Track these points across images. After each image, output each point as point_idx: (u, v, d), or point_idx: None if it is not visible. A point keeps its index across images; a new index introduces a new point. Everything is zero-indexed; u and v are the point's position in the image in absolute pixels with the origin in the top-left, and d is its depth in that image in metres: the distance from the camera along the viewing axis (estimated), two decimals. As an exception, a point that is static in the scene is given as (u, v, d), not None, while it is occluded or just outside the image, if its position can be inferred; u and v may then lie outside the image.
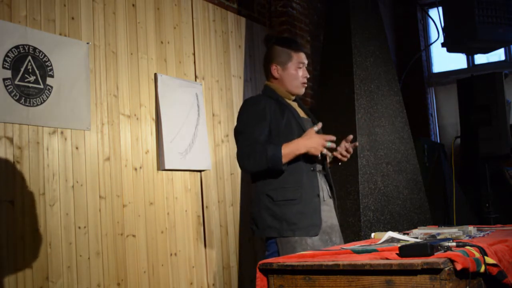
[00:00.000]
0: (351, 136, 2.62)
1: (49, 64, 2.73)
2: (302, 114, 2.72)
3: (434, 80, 6.74)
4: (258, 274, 1.79)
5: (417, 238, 2.01)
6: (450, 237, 1.94)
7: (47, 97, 2.69)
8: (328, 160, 2.74)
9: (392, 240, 1.99)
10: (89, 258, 2.79)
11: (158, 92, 3.35)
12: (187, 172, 3.51)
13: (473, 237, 2.08)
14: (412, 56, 6.35)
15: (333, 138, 2.55)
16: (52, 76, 2.73)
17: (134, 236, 3.07)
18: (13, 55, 2.56)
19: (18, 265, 2.46)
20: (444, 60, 6.71)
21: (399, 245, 1.69)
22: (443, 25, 5.54)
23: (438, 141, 6.48)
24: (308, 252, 1.97)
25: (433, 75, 6.79)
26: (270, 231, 2.52)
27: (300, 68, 2.69)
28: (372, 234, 2.38)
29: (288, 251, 2.42)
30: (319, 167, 2.64)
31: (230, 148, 3.96)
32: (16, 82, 2.55)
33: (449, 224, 4.93)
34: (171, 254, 3.30)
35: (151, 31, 3.40)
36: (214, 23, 3.99)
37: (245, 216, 3.97)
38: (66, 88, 2.79)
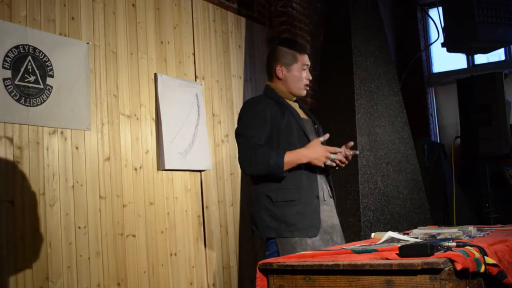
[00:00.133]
0: (351, 143, 2.60)
1: (49, 64, 2.73)
2: (302, 115, 2.72)
3: (434, 80, 6.74)
4: (258, 274, 1.79)
5: (417, 238, 2.01)
6: (450, 237, 1.94)
7: (47, 97, 2.69)
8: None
9: (392, 240, 2.00)
10: (89, 258, 2.79)
11: (158, 92, 3.35)
12: (187, 172, 3.51)
13: (473, 237, 2.08)
14: (412, 56, 6.35)
15: (339, 150, 2.54)
16: (52, 76, 2.73)
17: (134, 236, 3.07)
18: (13, 55, 2.56)
19: (18, 265, 2.46)
20: (444, 60, 6.71)
21: (399, 245, 1.69)
22: (443, 25, 5.54)
23: (438, 141, 6.48)
24: (308, 252, 1.97)
25: (433, 75, 6.79)
26: (269, 232, 2.52)
27: (304, 70, 2.69)
28: (372, 234, 2.38)
29: (288, 252, 2.42)
30: (319, 167, 2.63)
31: (230, 148, 3.96)
32: (16, 82, 2.55)
33: (449, 224, 4.94)
34: (171, 254, 3.30)
35: (151, 31, 3.40)
36: (214, 23, 3.99)
37: (245, 216, 3.97)
38: (66, 88, 2.79)
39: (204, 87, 3.77)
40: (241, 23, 4.28)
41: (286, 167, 2.46)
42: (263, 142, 2.51)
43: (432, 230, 2.27)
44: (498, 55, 6.31)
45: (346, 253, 1.79)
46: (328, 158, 2.50)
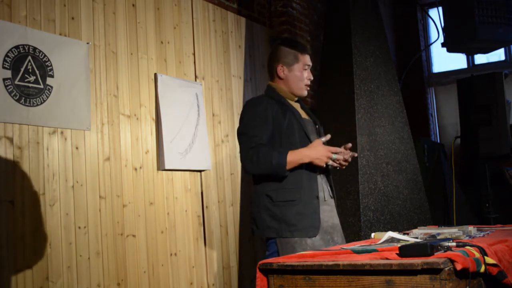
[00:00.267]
0: (349, 145, 2.60)
1: (49, 64, 2.73)
2: (304, 115, 2.72)
3: (434, 80, 6.74)
4: (258, 274, 1.79)
5: (417, 238, 2.01)
6: (450, 237, 1.94)
7: (47, 97, 2.69)
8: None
9: (392, 240, 2.00)
10: (89, 258, 2.79)
11: (158, 92, 3.35)
12: (187, 172, 3.51)
13: (473, 237, 2.08)
14: (412, 56, 6.35)
15: (340, 150, 2.54)
16: (52, 76, 2.73)
17: (134, 236, 3.07)
18: (13, 55, 2.56)
19: (18, 265, 2.46)
20: (444, 60, 6.71)
21: (399, 245, 1.69)
22: (443, 25, 5.54)
23: (438, 141, 6.48)
24: (308, 252, 1.97)
25: (433, 75, 6.79)
26: (269, 232, 2.53)
27: (306, 70, 2.70)
28: (372, 234, 2.38)
29: (288, 251, 2.42)
30: (319, 167, 2.63)
31: (230, 148, 3.96)
32: (16, 82, 2.55)
33: (449, 224, 4.94)
34: (171, 254, 3.30)
35: (151, 31, 3.40)
36: (214, 23, 3.99)
37: (245, 216, 3.97)
38: (66, 88, 2.79)
39: (204, 87, 3.77)
40: (241, 23, 4.28)
41: (288, 166, 2.47)
42: (265, 141, 2.51)
43: (432, 230, 2.27)
44: (498, 55, 6.31)
45: (346, 253, 1.79)
46: (329, 158, 2.50)
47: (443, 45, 5.49)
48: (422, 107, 6.56)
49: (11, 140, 2.50)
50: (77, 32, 2.91)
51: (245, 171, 2.64)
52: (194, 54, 3.73)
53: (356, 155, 2.63)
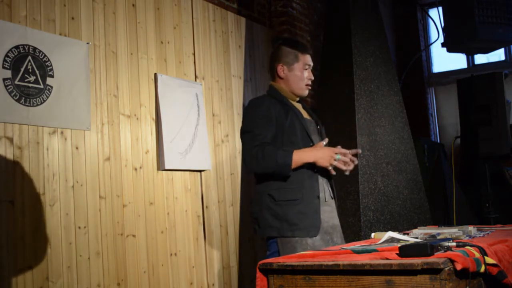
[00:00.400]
0: (356, 151, 2.60)
1: (49, 64, 2.73)
2: (305, 115, 2.73)
3: (434, 80, 6.74)
4: (258, 274, 1.79)
5: (417, 238, 2.01)
6: (450, 237, 1.94)
7: (47, 97, 2.69)
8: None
9: (392, 240, 2.00)
10: (89, 258, 2.79)
11: (158, 92, 3.35)
12: (187, 172, 3.51)
13: (473, 237, 2.08)
14: (412, 56, 6.35)
15: (344, 151, 2.54)
16: (52, 76, 2.73)
17: (134, 236, 3.07)
18: (13, 55, 2.56)
19: (18, 265, 2.46)
20: (444, 60, 6.71)
21: (399, 245, 1.69)
22: (443, 25, 5.54)
23: (438, 141, 6.48)
24: (308, 252, 1.97)
25: (433, 75, 6.79)
26: (271, 231, 2.53)
27: (306, 69, 2.70)
28: (372, 234, 2.38)
29: (288, 251, 2.42)
30: (320, 168, 2.64)
31: (230, 148, 3.96)
32: (16, 82, 2.55)
33: (449, 224, 4.94)
34: (171, 254, 3.30)
35: (151, 31, 3.40)
36: (214, 23, 3.99)
37: (245, 216, 3.97)
38: (66, 88, 2.79)
39: (204, 87, 3.77)
40: (241, 23, 4.28)
41: (293, 166, 2.47)
42: (269, 140, 2.52)
43: (432, 230, 2.27)
44: (498, 55, 6.31)
45: (346, 253, 1.79)
46: (334, 158, 2.50)
47: (443, 45, 5.49)
48: (422, 107, 6.56)
49: (11, 140, 2.50)
50: (77, 32, 2.91)
51: (248, 169, 2.63)
52: (194, 54, 3.73)
53: (360, 151, 2.63)
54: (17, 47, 2.58)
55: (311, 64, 2.73)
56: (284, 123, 2.56)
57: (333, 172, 2.57)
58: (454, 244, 1.65)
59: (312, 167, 2.56)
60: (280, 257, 2.02)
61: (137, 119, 3.21)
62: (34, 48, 2.66)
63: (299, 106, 2.75)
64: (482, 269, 1.58)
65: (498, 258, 1.66)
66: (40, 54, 2.69)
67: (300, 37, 4.67)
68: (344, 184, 4.04)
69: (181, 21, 3.66)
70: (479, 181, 5.33)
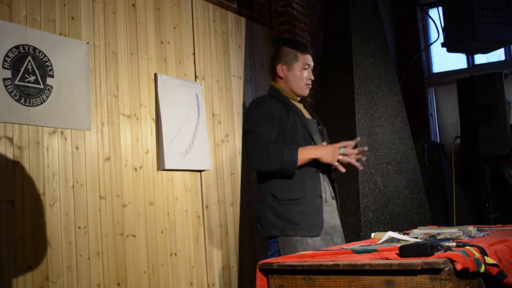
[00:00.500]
0: (358, 139, 2.61)
1: (49, 64, 2.73)
2: (307, 115, 2.73)
3: (434, 80, 6.74)
4: (258, 274, 1.79)
5: (417, 238, 2.01)
6: (450, 237, 1.94)
7: (47, 97, 2.69)
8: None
9: (392, 240, 2.00)
10: (89, 258, 2.79)
11: (158, 92, 3.35)
12: (187, 172, 3.51)
13: (473, 237, 2.09)
14: (412, 56, 6.35)
15: (346, 143, 2.54)
16: (52, 76, 2.73)
17: (134, 236, 3.07)
18: (13, 55, 2.56)
19: (18, 265, 2.46)
20: (444, 60, 6.71)
21: (399, 245, 1.69)
22: (443, 25, 5.54)
23: (438, 141, 6.48)
24: (308, 252, 1.97)
25: (433, 75, 6.79)
26: (274, 230, 2.54)
27: (306, 69, 2.70)
28: (372, 234, 2.38)
29: (288, 251, 2.43)
30: (322, 168, 2.64)
31: (230, 148, 3.96)
32: (16, 82, 2.55)
33: (449, 224, 4.94)
34: (171, 254, 3.30)
35: (151, 31, 3.40)
36: (214, 23, 3.99)
37: (245, 216, 3.97)
38: (66, 88, 2.79)
39: (204, 87, 3.77)
40: (241, 23, 4.28)
41: (299, 163, 2.48)
42: (273, 139, 2.52)
43: (432, 230, 2.27)
44: (498, 55, 6.31)
45: (346, 253, 1.79)
46: (338, 153, 2.50)
47: (443, 45, 5.49)
48: (422, 107, 6.56)
49: (11, 140, 2.50)
50: (77, 32, 2.91)
51: (253, 168, 2.64)
52: (194, 54, 3.73)
53: (359, 139, 2.63)
54: (17, 47, 2.58)
55: (311, 64, 2.73)
56: (286, 123, 2.57)
57: (342, 169, 2.56)
58: (454, 244, 1.65)
59: (315, 167, 2.56)
60: (280, 257, 2.02)
61: (137, 119, 3.21)
62: (34, 48, 2.66)
63: (300, 106, 2.75)
64: (482, 269, 1.58)
65: (498, 258, 1.66)
66: (40, 54, 2.69)
67: (300, 37, 4.67)
68: (344, 184, 4.05)
69: (181, 21, 3.66)
70: (479, 181, 5.33)
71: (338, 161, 2.52)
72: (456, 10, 5.20)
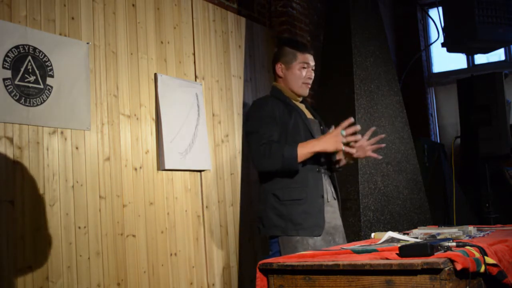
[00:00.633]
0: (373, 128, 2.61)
1: (49, 64, 2.73)
2: (309, 115, 2.73)
3: (434, 80, 6.74)
4: (258, 274, 1.79)
5: (417, 238, 2.01)
6: (450, 237, 1.94)
7: (47, 97, 2.69)
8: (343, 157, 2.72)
9: (392, 240, 2.00)
10: (89, 258, 2.79)
11: (158, 92, 3.35)
12: (187, 172, 3.51)
13: (473, 237, 2.08)
14: (412, 56, 6.35)
15: (344, 124, 2.50)
16: (52, 76, 2.73)
17: (134, 236, 3.07)
18: (13, 55, 2.56)
19: (18, 265, 2.46)
20: (444, 60, 6.71)
21: (399, 245, 1.69)
22: (443, 25, 5.54)
23: (438, 141, 6.48)
24: (308, 252, 1.97)
25: (433, 75, 6.79)
26: (275, 230, 2.54)
27: (305, 68, 2.70)
28: (372, 234, 2.38)
29: (289, 251, 2.43)
30: (324, 168, 2.64)
31: (230, 148, 3.96)
32: (16, 82, 2.55)
33: (449, 224, 4.94)
34: (171, 254, 3.30)
35: (151, 31, 3.40)
36: (214, 23, 3.99)
37: (245, 216, 3.97)
38: (66, 88, 2.79)
39: (204, 87, 3.77)
40: (241, 23, 4.28)
41: (300, 158, 2.47)
42: (275, 138, 2.52)
43: (432, 230, 2.27)
44: (498, 55, 6.31)
45: (346, 253, 1.79)
46: (340, 137, 2.46)
47: (443, 45, 5.49)
48: (422, 107, 6.56)
49: (11, 140, 2.50)
50: (77, 32, 2.91)
51: (256, 168, 2.63)
52: (194, 54, 3.73)
53: (383, 136, 2.61)
54: (17, 47, 2.58)
55: (311, 63, 2.73)
56: (288, 124, 2.57)
57: (353, 150, 2.54)
58: (454, 244, 1.65)
59: (316, 166, 2.56)
60: (280, 257, 2.02)
61: (137, 119, 3.21)
62: (34, 48, 2.66)
63: (302, 106, 2.75)
64: (482, 269, 1.58)
65: (498, 258, 1.66)
66: (40, 54, 2.69)
67: (300, 37, 4.67)
68: (344, 184, 4.05)
69: (181, 21, 3.66)
70: (479, 181, 5.33)
71: (345, 145, 2.49)
72: (456, 10, 5.20)
